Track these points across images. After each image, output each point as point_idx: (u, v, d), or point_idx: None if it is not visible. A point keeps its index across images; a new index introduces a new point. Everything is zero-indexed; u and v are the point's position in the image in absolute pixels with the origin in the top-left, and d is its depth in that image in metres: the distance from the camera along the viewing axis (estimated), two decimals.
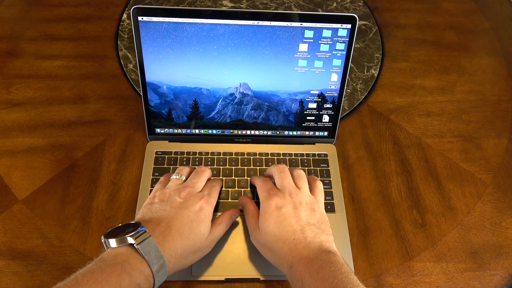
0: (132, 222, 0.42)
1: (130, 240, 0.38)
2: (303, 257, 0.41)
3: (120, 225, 0.41)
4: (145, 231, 0.39)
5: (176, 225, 0.42)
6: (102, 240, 0.39)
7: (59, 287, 0.34)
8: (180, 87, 0.56)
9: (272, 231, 0.43)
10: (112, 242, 0.38)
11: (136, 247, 0.38)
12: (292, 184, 0.47)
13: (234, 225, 0.52)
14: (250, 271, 0.49)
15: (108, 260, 0.37)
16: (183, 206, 0.44)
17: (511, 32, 0.82)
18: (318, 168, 0.58)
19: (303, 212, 0.44)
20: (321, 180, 0.56)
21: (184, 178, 0.48)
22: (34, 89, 0.66)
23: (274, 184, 0.49)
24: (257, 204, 0.48)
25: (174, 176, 0.48)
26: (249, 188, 0.55)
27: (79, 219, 0.53)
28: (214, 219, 0.48)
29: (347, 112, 0.67)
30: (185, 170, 0.50)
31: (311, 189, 0.49)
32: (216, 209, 0.53)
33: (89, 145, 0.60)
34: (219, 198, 0.54)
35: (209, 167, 0.57)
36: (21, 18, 0.77)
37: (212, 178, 0.53)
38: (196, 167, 0.51)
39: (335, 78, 0.56)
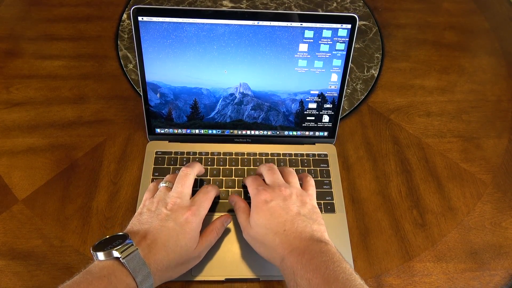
0: (121, 233, 0.42)
1: (116, 254, 0.39)
2: (294, 248, 0.41)
3: (108, 236, 0.42)
4: (132, 244, 0.40)
5: (162, 238, 0.42)
6: (91, 252, 0.40)
7: None
8: (180, 87, 0.56)
9: (263, 224, 0.44)
10: (100, 255, 0.39)
11: (122, 261, 0.38)
12: (281, 179, 0.48)
13: (233, 225, 0.52)
14: (250, 271, 0.49)
15: (95, 273, 0.38)
16: (169, 218, 0.43)
17: (511, 32, 0.82)
18: (318, 168, 0.58)
19: (293, 204, 0.45)
20: (321, 180, 0.57)
21: (172, 185, 0.48)
22: (34, 89, 0.66)
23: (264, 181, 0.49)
24: (249, 203, 0.48)
25: (162, 184, 0.48)
26: (242, 189, 0.55)
27: (79, 219, 0.53)
28: (211, 221, 0.48)
29: (347, 112, 0.67)
30: (173, 178, 0.49)
31: (303, 185, 0.49)
32: (214, 209, 0.53)
33: (89, 145, 0.60)
34: (218, 197, 0.54)
35: (209, 167, 0.57)
36: (21, 18, 0.77)
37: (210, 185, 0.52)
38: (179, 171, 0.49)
39: (335, 78, 0.56)
